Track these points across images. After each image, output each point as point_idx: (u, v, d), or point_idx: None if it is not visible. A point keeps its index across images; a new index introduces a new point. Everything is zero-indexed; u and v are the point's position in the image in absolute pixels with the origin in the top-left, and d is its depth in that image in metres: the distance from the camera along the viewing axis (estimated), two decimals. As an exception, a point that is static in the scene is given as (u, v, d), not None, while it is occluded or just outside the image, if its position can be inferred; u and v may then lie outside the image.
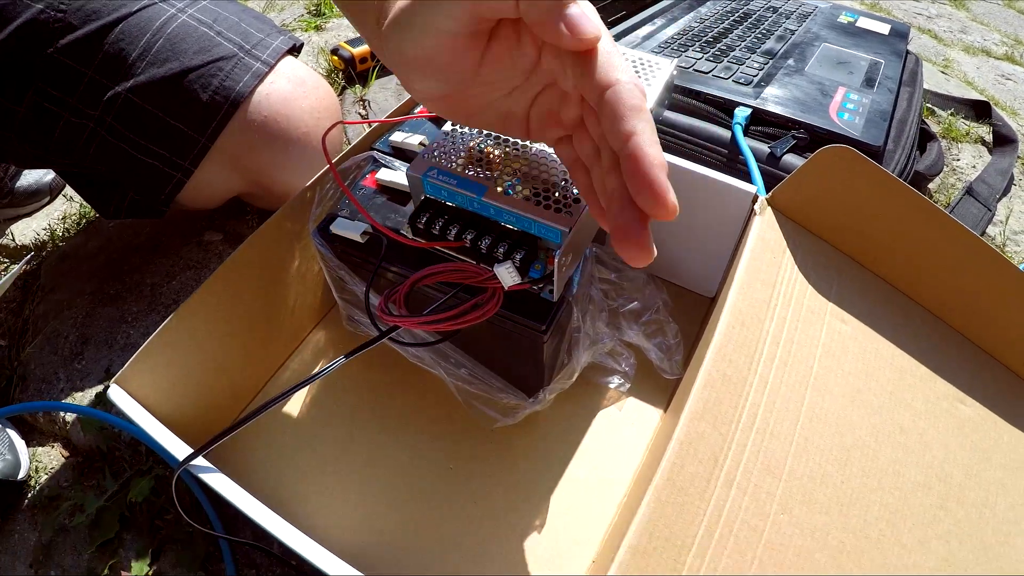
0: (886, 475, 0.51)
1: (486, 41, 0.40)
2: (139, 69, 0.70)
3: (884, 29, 1.12)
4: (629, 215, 0.35)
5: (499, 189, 0.47)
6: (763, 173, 0.74)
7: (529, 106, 0.44)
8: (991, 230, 1.05)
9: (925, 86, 1.37)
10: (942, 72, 1.57)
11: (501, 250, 0.48)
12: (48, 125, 0.72)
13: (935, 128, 1.27)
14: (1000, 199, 1.07)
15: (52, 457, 0.80)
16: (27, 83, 0.70)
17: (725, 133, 0.81)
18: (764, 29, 1.06)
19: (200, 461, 0.51)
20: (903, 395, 0.55)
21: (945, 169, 1.17)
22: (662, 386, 0.72)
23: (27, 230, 1.10)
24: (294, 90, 0.76)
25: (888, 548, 0.48)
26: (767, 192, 0.60)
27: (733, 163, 0.79)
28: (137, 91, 0.70)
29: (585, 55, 0.36)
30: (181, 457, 0.50)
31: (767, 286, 0.54)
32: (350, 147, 0.66)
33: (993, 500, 0.54)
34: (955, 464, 0.54)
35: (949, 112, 1.31)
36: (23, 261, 0.45)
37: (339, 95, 1.38)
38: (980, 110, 1.31)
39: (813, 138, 0.79)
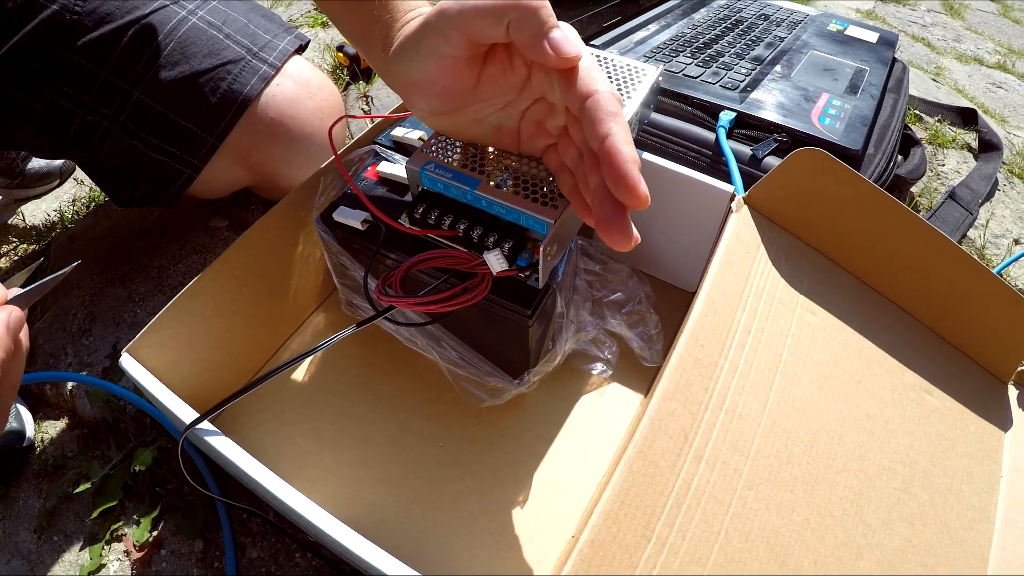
0: (851, 458, 0.53)
1: (482, 63, 0.46)
2: (151, 71, 0.73)
3: (872, 37, 1.15)
4: (609, 206, 0.40)
5: (491, 183, 0.51)
6: (745, 175, 0.77)
7: (520, 119, 0.49)
8: (971, 233, 1.08)
9: (915, 93, 1.40)
10: (933, 80, 1.60)
11: (491, 239, 0.51)
12: (64, 121, 0.74)
13: (921, 134, 1.29)
14: (983, 203, 1.10)
15: (58, 428, 0.83)
16: (44, 81, 0.72)
17: (710, 136, 0.84)
18: (754, 36, 1.09)
19: (206, 425, 0.54)
20: (870, 384, 0.58)
21: (929, 174, 1.19)
22: (643, 374, 0.75)
23: (37, 211, 1.13)
24: (299, 91, 0.78)
25: (852, 527, 0.51)
26: (745, 191, 0.64)
27: (717, 164, 0.82)
28: (149, 92, 0.73)
29: (568, 71, 0.41)
30: (187, 421, 0.54)
31: (740, 279, 0.57)
32: (354, 140, 0.69)
33: (958, 486, 0.57)
34: (920, 451, 0.57)
35: (936, 119, 1.34)
36: (70, 267, 0.48)
37: (343, 91, 1.41)
38: (967, 117, 1.33)
39: (795, 141, 0.81)
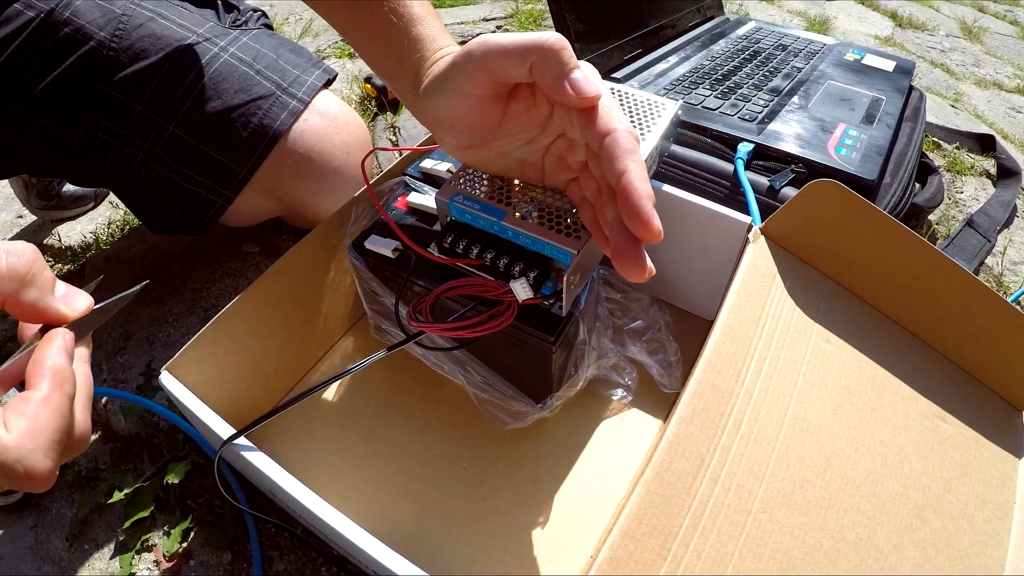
0: (865, 483, 0.54)
1: (506, 101, 0.49)
2: (185, 106, 0.75)
3: (889, 66, 1.16)
4: (625, 239, 0.42)
5: (517, 214, 0.53)
6: (763, 205, 0.78)
7: (543, 154, 0.52)
8: (989, 260, 1.08)
9: (933, 120, 1.41)
10: (952, 106, 1.60)
11: (517, 268, 0.53)
12: (101, 152, 0.77)
13: (939, 161, 1.30)
14: (1001, 231, 1.11)
15: (91, 442, 0.85)
16: (82, 114, 0.75)
17: (729, 167, 0.85)
18: (772, 67, 1.11)
19: (241, 441, 0.57)
20: (884, 411, 0.59)
21: (947, 201, 1.20)
22: (662, 400, 0.77)
23: (72, 232, 1.16)
24: (327, 126, 0.81)
25: (864, 551, 0.51)
26: (762, 222, 0.65)
27: (735, 195, 0.83)
28: (183, 126, 0.75)
29: (588, 110, 0.44)
30: (224, 437, 0.56)
31: (757, 307, 0.59)
32: (384, 172, 0.72)
33: (971, 513, 0.58)
34: (933, 477, 0.58)
35: (954, 146, 1.34)
36: (139, 286, 0.48)
37: (371, 122, 1.43)
38: (985, 144, 1.34)
39: (811, 172, 0.83)
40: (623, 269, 0.42)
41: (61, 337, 0.36)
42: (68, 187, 1.22)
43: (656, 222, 0.40)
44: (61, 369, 0.35)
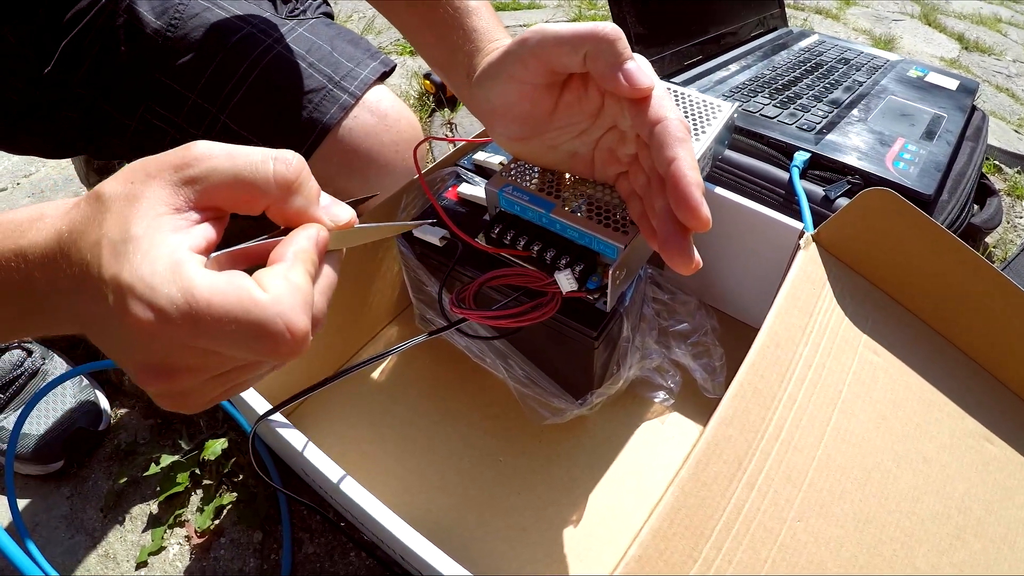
0: (905, 500, 0.53)
1: (559, 91, 0.49)
2: (236, 97, 0.76)
3: (952, 85, 1.14)
4: (673, 229, 0.42)
5: (566, 207, 0.53)
6: (817, 215, 0.77)
7: (593, 147, 0.52)
8: (1046, 287, 1.06)
9: (996, 144, 1.39)
10: (1015, 131, 1.57)
11: (563, 261, 0.54)
12: (156, 139, 0.78)
13: (1000, 185, 1.28)
14: (1060, 258, 1.09)
15: (132, 417, 0.88)
16: (138, 101, 0.76)
17: (783, 175, 0.85)
18: (833, 80, 1.10)
19: (277, 418, 0.58)
20: (929, 427, 0.58)
21: (1006, 225, 1.18)
22: (704, 405, 0.76)
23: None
24: (377, 123, 0.80)
25: (901, 569, 0.50)
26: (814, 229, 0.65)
27: (789, 203, 0.83)
28: (234, 117, 0.76)
29: (640, 100, 0.44)
30: (260, 412, 0.57)
31: (804, 314, 0.58)
32: (437, 162, 0.72)
33: (1013, 538, 0.56)
34: (976, 499, 0.56)
35: (1016, 170, 1.32)
36: (413, 223, 0.48)
37: (428, 117, 1.45)
38: (1049, 170, 1.31)
39: (867, 184, 0.81)
40: (671, 260, 0.42)
41: (315, 229, 0.37)
42: (129, 167, 1.25)
43: (705, 210, 0.40)
44: (307, 250, 0.35)
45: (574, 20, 2.04)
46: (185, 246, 0.32)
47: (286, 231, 0.37)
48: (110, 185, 0.34)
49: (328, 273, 0.38)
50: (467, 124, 1.42)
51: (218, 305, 0.30)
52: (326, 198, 0.39)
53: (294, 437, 0.56)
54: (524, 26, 1.96)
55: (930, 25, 2.30)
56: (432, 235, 0.64)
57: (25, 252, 0.35)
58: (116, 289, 0.30)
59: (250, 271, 0.33)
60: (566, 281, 0.53)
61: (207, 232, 0.34)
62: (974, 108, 1.11)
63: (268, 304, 0.31)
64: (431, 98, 1.47)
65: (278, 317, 0.31)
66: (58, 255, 0.33)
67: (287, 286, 0.32)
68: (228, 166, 0.34)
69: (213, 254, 0.34)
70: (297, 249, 0.35)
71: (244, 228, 0.41)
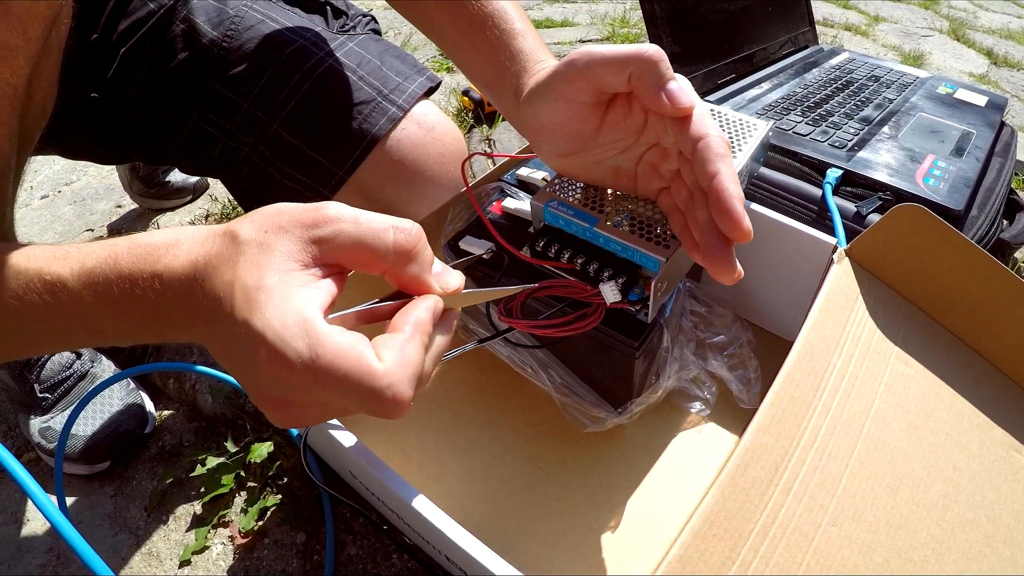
0: (936, 507, 0.55)
1: (605, 110, 0.52)
2: (288, 107, 0.78)
3: (981, 101, 1.15)
4: (715, 240, 0.44)
5: (609, 222, 0.55)
6: (849, 231, 0.78)
7: (637, 163, 0.55)
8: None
9: (1024, 159, 1.39)
10: (1045, 147, 1.57)
11: (606, 274, 0.56)
12: (208, 145, 0.80)
13: (1029, 200, 1.28)
14: (1089, 274, 1.09)
15: (177, 420, 0.90)
16: (192, 107, 0.79)
17: (816, 192, 0.86)
18: (864, 97, 1.11)
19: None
20: (959, 437, 0.60)
21: (1035, 241, 1.18)
22: (739, 416, 0.78)
23: (170, 223, 1.22)
24: (424, 136, 0.82)
25: (931, 574, 0.52)
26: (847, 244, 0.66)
27: (822, 219, 0.84)
28: (285, 127, 0.78)
29: (683, 119, 0.46)
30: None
31: (838, 326, 0.60)
32: (482, 177, 0.75)
33: (1041, 547, 0.57)
34: (1005, 507, 0.57)
35: (1045, 185, 1.32)
36: (517, 288, 0.51)
37: (467, 133, 1.47)
38: (1078, 186, 1.31)
39: (898, 200, 0.83)
40: (713, 270, 0.44)
41: (433, 300, 0.41)
42: (171, 178, 1.28)
43: (746, 221, 0.42)
44: (424, 322, 0.39)
45: (607, 38, 2.06)
46: (315, 304, 0.36)
47: (400, 295, 0.41)
48: (245, 228, 0.38)
49: (439, 341, 0.41)
50: (504, 140, 1.45)
51: (338, 366, 0.34)
52: (438, 265, 0.43)
53: (345, 438, 0.58)
54: (559, 44, 1.99)
55: (959, 40, 2.30)
56: (478, 247, 0.66)
57: (161, 275, 0.39)
58: (247, 333, 0.35)
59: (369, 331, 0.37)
60: (610, 292, 0.55)
61: (331, 288, 0.38)
62: (1003, 124, 1.12)
63: (381, 375, 0.34)
64: (470, 114, 1.49)
65: (388, 389, 0.34)
66: (193, 284, 0.38)
67: (401, 359, 0.36)
68: (353, 230, 0.38)
69: (339, 313, 0.38)
70: (416, 321, 0.38)
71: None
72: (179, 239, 0.40)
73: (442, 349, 0.41)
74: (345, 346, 0.34)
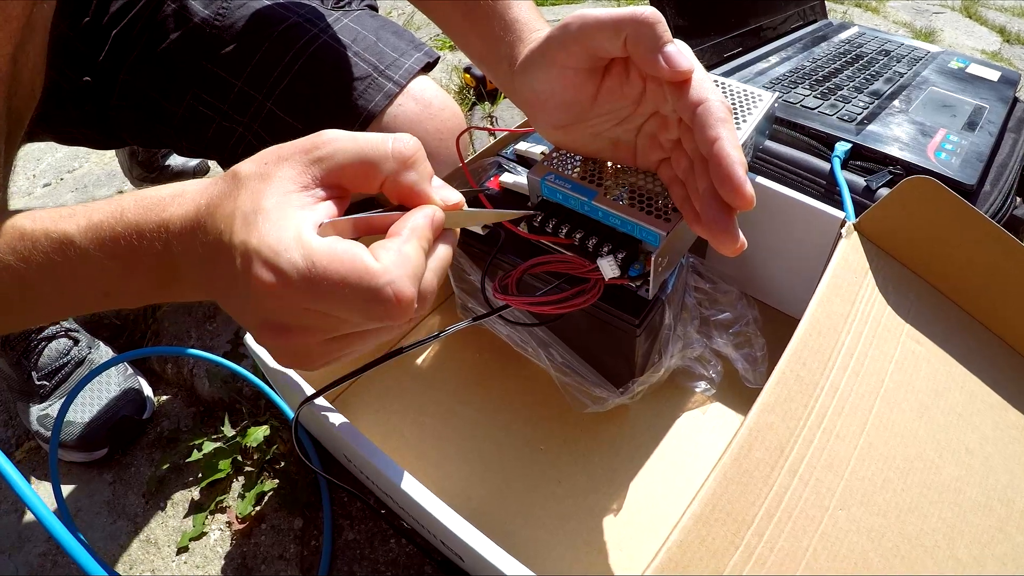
0: (947, 490, 0.53)
1: (601, 77, 0.49)
2: (282, 85, 0.77)
3: (994, 76, 1.13)
4: (717, 209, 0.42)
5: (608, 195, 0.53)
6: (859, 205, 0.76)
7: (636, 134, 0.53)
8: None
9: (1039, 136, 1.36)
10: (1059, 123, 1.54)
11: (605, 249, 0.54)
12: (203, 126, 0.79)
13: (1044, 177, 1.26)
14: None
15: (174, 405, 0.90)
16: (185, 88, 0.77)
17: (824, 165, 0.84)
18: (874, 71, 1.09)
19: (321, 402, 0.59)
20: (972, 418, 0.58)
21: (1050, 219, 1.16)
22: (745, 395, 0.76)
23: (172, 206, 1.20)
24: (421, 112, 0.80)
25: (943, 560, 0.50)
26: (856, 219, 0.64)
27: (830, 194, 0.82)
28: (279, 105, 0.77)
29: (682, 83, 0.44)
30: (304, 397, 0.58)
31: (846, 302, 0.58)
32: (479, 152, 0.73)
33: (1057, 531, 0.56)
34: (1019, 491, 0.56)
35: (1060, 163, 1.29)
36: (521, 212, 0.51)
37: (468, 110, 1.46)
38: (1094, 163, 1.28)
39: (908, 174, 0.80)
40: (715, 241, 0.43)
41: (432, 209, 0.40)
42: (170, 161, 1.27)
43: (749, 188, 0.40)
44: (423, 227, 0.38)
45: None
46: (310, 221, 0.36)
47: (401, 208, 0.40)
48: (246, 165, 0.39)
49: (442, 251, 0.41)
50: (507, 117, 1.43)
51: (334, 270, 0.34)
52: (438, 180, 0.43)
53: (337, 420, 0.57)
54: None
55: (971, 18, 2.27)
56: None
57: (167, 224, 0.39)
58: (244, 253, 0.35)
59: (367, 242, 0.36)
60: (608, 267, 0.53)
61: (329, 209, 0.38)
62: (1016, 100, 1.09)
63: (379, 272, 0.34)
64: (471, 92, 1.48)
65: (388, 286, 0.34)
66: (196, 226, 0.38)
67: (399, 257, 0.35)
68: (352, 146, 0.39)
69: (332, 218, 0.37)
70: (414, 225, 0.38)
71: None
72: (184, 189, 0.41)
73: (445, 261, 0.41)
74: (340, 251, 0.34)
